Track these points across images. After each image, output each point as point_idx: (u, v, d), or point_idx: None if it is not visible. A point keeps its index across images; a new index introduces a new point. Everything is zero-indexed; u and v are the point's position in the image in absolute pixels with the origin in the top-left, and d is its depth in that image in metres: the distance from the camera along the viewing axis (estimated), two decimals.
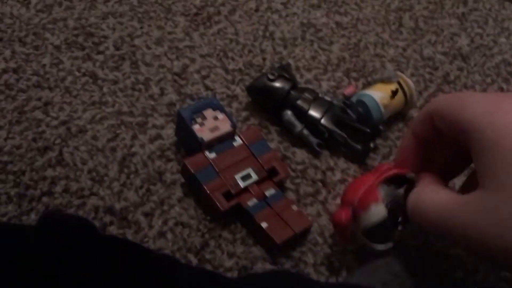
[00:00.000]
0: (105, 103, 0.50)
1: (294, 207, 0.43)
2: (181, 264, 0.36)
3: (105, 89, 0.51)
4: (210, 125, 0.45)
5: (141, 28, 0.58)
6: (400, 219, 0.38)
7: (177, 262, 0.36)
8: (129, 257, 0.31)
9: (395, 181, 0.38)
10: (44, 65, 0.52)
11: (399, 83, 0.52)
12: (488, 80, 0.59)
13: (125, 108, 0.50)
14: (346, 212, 0.38)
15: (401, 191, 0.38)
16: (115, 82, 0.52)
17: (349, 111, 0.50)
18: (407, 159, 0.38)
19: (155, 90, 0.52)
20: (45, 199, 0.42)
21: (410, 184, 0.37)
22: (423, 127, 0.36)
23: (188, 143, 0.46)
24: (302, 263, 0.41)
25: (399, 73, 0.52)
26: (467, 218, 0.29)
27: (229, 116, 0.46)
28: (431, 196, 0.33)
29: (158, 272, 0.31)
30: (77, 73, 0.52)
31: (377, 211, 0.37)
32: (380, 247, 0.38)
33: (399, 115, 0.54)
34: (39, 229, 0.31)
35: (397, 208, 0.37)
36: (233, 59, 0.57)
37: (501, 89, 0.58)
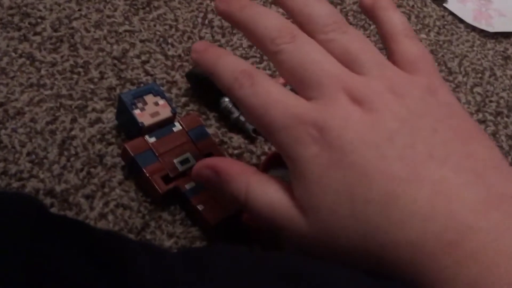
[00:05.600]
0: (43, 85, 0.50)
1: None
2: (129, 240, 0.37)
3: (43, 71, 0.51)
4: (151, 110, 0.47)
5: (79, 10, 0.58)
6: None
7: (125, 239, 0.37)
8: (79, 234, 0.32)
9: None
10: None
11: None
12: None
13: (64, 91, 0.50)
14: None
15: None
16: (53, 65, 0.52)
17: None
18: None
19: (94, 73, 0.52)
20: None
21: None
22: None
23: (128, 127, 0.47)
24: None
25: None
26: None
27: (169, 102, 0.48)
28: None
29: (108, 248, 0.32)
30: (13, 54, 0.52)
31: None
32: None
33: None
34: None
35: None
36: (172, 45, 0.58)
37: None
